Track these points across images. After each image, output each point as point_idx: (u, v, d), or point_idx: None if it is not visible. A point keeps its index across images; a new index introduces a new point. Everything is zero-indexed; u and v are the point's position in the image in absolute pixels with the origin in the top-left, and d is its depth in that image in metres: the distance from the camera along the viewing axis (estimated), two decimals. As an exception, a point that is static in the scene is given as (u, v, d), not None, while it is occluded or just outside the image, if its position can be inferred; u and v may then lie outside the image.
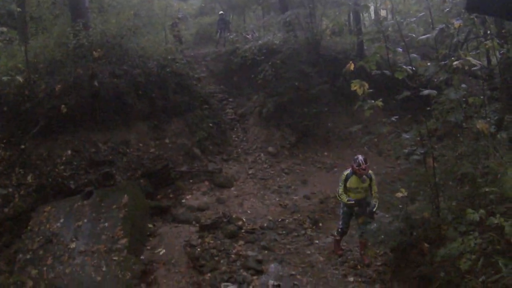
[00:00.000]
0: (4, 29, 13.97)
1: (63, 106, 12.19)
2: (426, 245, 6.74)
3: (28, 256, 9.56)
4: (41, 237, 9.87)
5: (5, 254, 10.37)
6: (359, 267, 9.04)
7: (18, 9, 14.66)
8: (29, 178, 11.60)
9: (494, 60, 11.41)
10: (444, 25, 7.29)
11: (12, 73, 12.14)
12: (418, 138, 7.00)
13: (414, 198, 7.57)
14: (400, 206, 7.52)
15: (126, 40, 14.78)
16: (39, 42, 14.03)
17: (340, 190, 8.96)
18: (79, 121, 12.82)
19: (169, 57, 15.59)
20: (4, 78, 11.82)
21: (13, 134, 12.27)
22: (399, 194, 7.28)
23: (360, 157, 8.62)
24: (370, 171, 8.71)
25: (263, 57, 17.94)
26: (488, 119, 7.54)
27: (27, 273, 9.20)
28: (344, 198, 8.89)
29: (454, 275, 5.85)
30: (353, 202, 8.82)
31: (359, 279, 8.63)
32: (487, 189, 6.12)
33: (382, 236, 7.68)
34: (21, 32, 14.60)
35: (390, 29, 7.29)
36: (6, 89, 12.44)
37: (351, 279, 8.71)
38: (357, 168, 8.53)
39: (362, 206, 8.84)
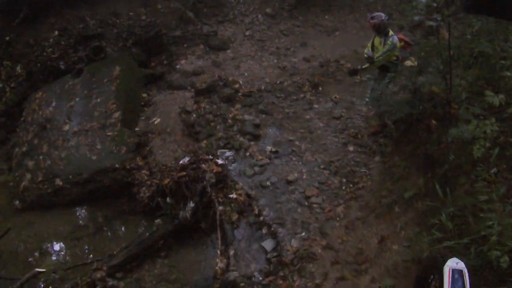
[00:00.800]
0: None
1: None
2: (434, 121, 6.25)
3: (24, 149, 9.54)
4: (34, 126, 9.78)
5: (3, 151, 10.40)
6: (359, 136, 8.82)
7: None
8: (18, 68, 11.34)
9: None
10: None
11: None
12: (435, 4, 6.25)
13: (424, 70, 6.86)
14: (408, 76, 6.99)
15: None
16: None
17: (366, 47, 8.48)
18: (64, 0, 12.30)
19: None
20: None
21: (-5, 28, 11.76)
22: (408, 63, 6.79)
23: (376, 13, 8.01)
24: (391, 39, 7.84)
25: None
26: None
27: (25, 166, 9.21)
28: (365, 51, 8.47)
29: (465, 160, 5.41)
30: (367, 56, 8.38)
31: (359, 149, 8.48)
32: (508, 73, 5.47)
33: (386, 107, 7.31)
34: None
35: None
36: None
37: (351, 148, 8.57)
38: (368, 20, 7.98)
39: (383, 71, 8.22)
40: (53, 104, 9.99)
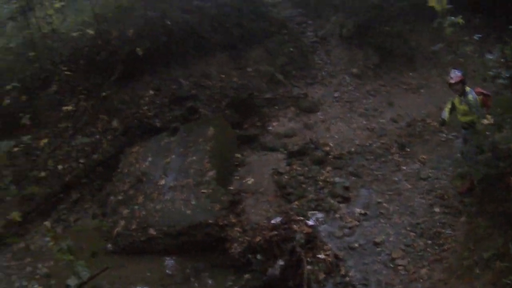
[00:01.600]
0: None
1: (138, 49, 12.06)
2: None
3: (120, 197, 9.93)
4: (131, 178, 10.20)
5: (98, 198, 10.81)
6: (446, 197, 8.73)
7: None
8: (114, 123, 11.92)
9: None
10: None
11: (81, 27, 12.41)
12: (503, 60, 6.22)
13: (501, 125, 6.76)
14: (487, 133, 6.91)
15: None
16: None
17: (447, 108, 8.47)
18: (157, 61, 12.86)
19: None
20: (74, 34, 12.16)
21: (92, 84, 12.52)
22: (485, 121, 6.67)
23: (453, 71, 7.97)
24: (470, 96, 7.80)
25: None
26: None
27: (119, 214, 9.59)
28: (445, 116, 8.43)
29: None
30: (441, 118, 8.44)
31: (445, 210, 8.41)
32: None
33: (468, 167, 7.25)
34: None
35: None
36: (79, 44, 12.67)
37: (437, 209, 8.51)
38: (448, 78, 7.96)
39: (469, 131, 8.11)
40: (150, 159, 10.45)
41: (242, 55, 13.98)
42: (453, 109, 8.34)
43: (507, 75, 6.03)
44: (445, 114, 8.41)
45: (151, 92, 12.44)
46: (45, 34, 12.00)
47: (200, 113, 11.93)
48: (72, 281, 5.24)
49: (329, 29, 16.30)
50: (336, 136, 11.53)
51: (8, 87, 11.25)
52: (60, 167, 11.27)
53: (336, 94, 13.65)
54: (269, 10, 15.47)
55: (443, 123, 8.58)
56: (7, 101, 11.11)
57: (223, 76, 13.18)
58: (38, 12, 12.01)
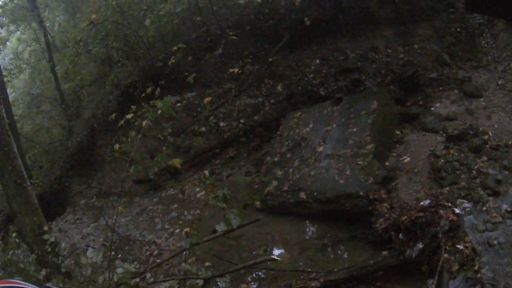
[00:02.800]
0: None
1: (306, 18, 12.19)
2: None
3: (276, 159, 10.18)
4: (289, 141, 10.40)
5: (254, 157, 11.29)
6: None
7: None
8: (278, 87, 12.23)
9: None
10: None
11: None
12: None
13: None
14: None
15: None
16: None
17: None
18: (324, 31, 12.84)
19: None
20: (241, 1, 12.36)
21: (259, 50, 12.91)
22: None
23: None
24: None
25: None
26: None
27: (273, 174, 9.83)
28: None
29: None
30: None
31: None
32: None
33: None
34: None
35: None
36: (245, 11, 13.09)
37: None
38: None
39: None
40: (310, 125, 10.55)
41: (409, 31, 13.47)
42: None
43: None
44: None
45: (317, 61, 12.49)
46: (211, 0, 12.43)
47: (365, 86, 11.78)
48: (220, 227, 5.43)
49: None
50: (496, 126, 10.59)
51: (174, 47, 11.97)
52: (221, 124, 11.90)
53: (500, 82, 12.50)
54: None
55: None
56: (172, 60, 11.79)
57: (390, 51, 12.85)
58: None
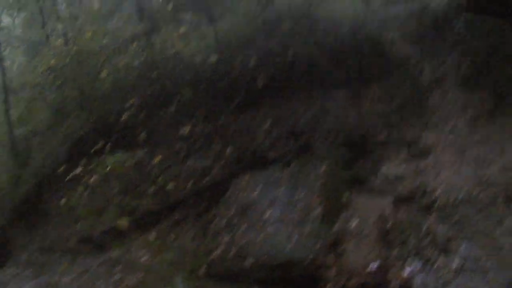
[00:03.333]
0: (186, 15, 14.82)
1: (259, 79, 12.49)
2: None
3: (223, 223, 10.04)
4: (237, 205, 10.31)
5: (202, 220, 11.05)
6: None
7: None
8: (227, 150, 12.09)
9: None
10: None
11: (204, 54, 13.02)
12: None
13: None
14: None
15: (314, 9, 14.64)
16: (227, 20, 14.74)
17: None
18: (276, 93, 13.03)
19: (361, 21, 14.95)
20: (197, 59, 12.73)
21: (211, 110, 12.91)
22: None
23: None
24: None
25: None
26: None
27: (219, 239, 9.69)
28: None
29: None
30: None
31: None
32: None
33: None
34: (207, 15, 15.31)
35: None
36: (200, 70, 13.22)
37: None
38: None
39: None
40: (258, 189, 10.49)
41: (359, 93, 13.74)
42: None
43: None
44: None
45: (268, 123, 12.59)
46: (168, 57, 12.57)
47: (314, 149, 11.89)
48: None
49: (445, 70, 15.71)
50: (445, 184, 10.83)
51: (129, 102, 11.99)
52: (169, 185, 11.70)
53: (448, 140, 12.93)
54: (387, 48, 15.06)
55: None
56: (126, 116, 11.77)
57: (340, 113, 13.06)
58: (162, 35, 12.67)
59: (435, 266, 8.23)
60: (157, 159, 11.78)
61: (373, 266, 8.09)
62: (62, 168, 10.65)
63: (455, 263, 8.15)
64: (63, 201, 7.10)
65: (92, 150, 9.02)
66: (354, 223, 9.61)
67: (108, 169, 5.34)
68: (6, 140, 16.89)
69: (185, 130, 12.09)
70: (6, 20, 20.41)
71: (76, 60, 13.74)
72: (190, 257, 9.92)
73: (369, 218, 9.66)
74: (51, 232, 13.46)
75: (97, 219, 7.99)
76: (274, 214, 9.59)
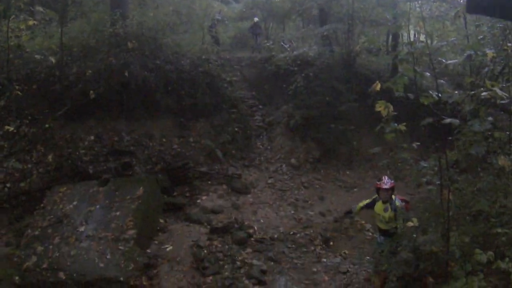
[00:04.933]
0: (41, 8, 14.25)
1: (91, 91, 12.40)
2: (430, 279, 6.52)
3: (37, 233, 9.74)
4: (52, 216, 10.05)
5: (15, 227, 10.65)
6: None
7: None
8: (49, 157, 11.84)
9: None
10: (472, 52, 7.04)
11: (46, 53, 12.49)
12: (436, 168, 6.74)
13: (426, 229, 7.28)
14: (413, 235, 7.25)
15: (162, 35, 15.01)
16: (77, 26, 14.44)
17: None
18: (106, 108, 13.05)
19: (203, 57, 15.67)
20: (37, 57, 12.23)
21: (39, 112, 12.54)
22: (410, 224, 7.09)
23: (386, 177, 8.18)
24: (398, 203, 8.01)
25: (296, 68, 17.83)
26: (513, 156, 7.19)
27: (33, 249, 9.37)
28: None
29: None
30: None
31: None
32: (499, 230, 5.92)
33: (386, 265, 7.47)
34: (61, 14, 14.90)
35: (426, 51, 7.01)
36: (37, 68, 12.80)
37: None
38: (377, 183, 8.15)
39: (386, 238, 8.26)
40: (74, 202, 10.37)
41: (188, 124, 14.39)
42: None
43: (438, 183, 6.49)
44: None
45: (92, 137, 12.58)
46: (10, 47, 11.94)
47: (134, 171, 12.09)
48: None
49: (278, 117, 16.98)
50: (262, 221, 11.74)
51: None
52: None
53: (270, 181, 14.09)
54: (224, 87, 16.00)
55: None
56: None
57: (165, 140, 13.48)
58: (11, 22, 11.98)
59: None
60: (-27, 153, 11.03)
61: None
62: None
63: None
64: None
65: None
66: (168, 248, 9.92)
67: None
68: None
69: (9, 128, 11.53)
70: None
71: None
72: (3, 265, 9.39)
73: (183, 245, 10.05)
74: None
75: None
76: (87, 230, 9.54)
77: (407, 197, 8.96)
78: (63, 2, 15.34)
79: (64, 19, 14.56)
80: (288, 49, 20.61)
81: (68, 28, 14.15)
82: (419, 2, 15.81)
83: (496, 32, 10.67)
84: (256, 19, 24.11)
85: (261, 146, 15.87)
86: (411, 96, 6.26)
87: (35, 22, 13.08)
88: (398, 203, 8.03)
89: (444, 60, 7.02)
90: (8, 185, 11.33)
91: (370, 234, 11.02)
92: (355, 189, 14.36)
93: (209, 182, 13.08)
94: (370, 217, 11.28)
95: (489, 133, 6.90)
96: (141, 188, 10.51)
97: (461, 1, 11.63)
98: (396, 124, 6.49)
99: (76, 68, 12.97)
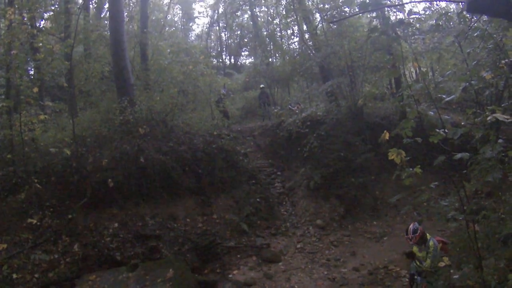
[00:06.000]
0: (50, 103, 14.76)
1: (110, 180, 12.63)
2: None
3: None
4: None
5: None
6: None
7: (65, 85, 15.70)
8: (75, 247, 11.87)
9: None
10: (467, 83, 7.15)
11: (60, 145, 12.84)
12: (457, 204, 6.70)
13: (459, 264, 7.16)
14: (448, 273, 7.16)
15: (171, 117, 15.41)
16: (87, 116, 14.89)
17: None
18: (126, 194, 13.18)
19: (215, 133, 16.04)
20: (52, 150, 12.51)
21: (61, 203, 12.70)
22: (442, 264, 7.00)
23: (411, 226, 8.19)
24: (431, 242, 7.99)
25: (307, 129, 18.06)
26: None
27: None
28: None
29: None
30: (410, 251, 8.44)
31: None
32: None
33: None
34: (70, 105, 15.45)
35: (425, 91, 7.12)
36: (54, 160, 13.02)
37: None
38: (405, 236, 8.19)
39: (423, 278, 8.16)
40: None
41: (210, 201, 14.47)
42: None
43: (461, 218, 6.42)
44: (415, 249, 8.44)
45: (116, 224, 12.62)
46: (25, 141, 12.31)
47: (162, 253, 12.05)
48: None
49: (297, 180, 17.06)
50: (297, 287, 11.53)
51: None
52: (14, 275, 11.06)
53: (299, 245, 13.96)
54: (239, 160, 16.28)
55: (409, 255, 8.49)
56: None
57: (189, 220, 13.52)
58: (23, 117, 12.38)
59: None
60: (2, 246, 11.13)
61: None
62: None
63: None
64: None
65: None
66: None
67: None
68: None
69: (33, 220, 11.67)
70: None
71: None
72: None
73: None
74: None
75: None
76: None
77: (439, 235, 8.78)
78: (71, 93, 15.85)
79: (74, 109, 14.99)
80: (297, 111, 20.88)
81: (79, 118, 14.58)
82: (411, 40, 16.08)
83: (491, 50, 10.72)
84: (262, 86, 24.70)
85: (285, 212, 15.86)
86: (419, 140, 6.33)
87: (46, 116, 13.49)
88: (431, 242, 8.01)
89: (444, 96, 7.11)
90: (36, 275, 11.27)
91: (407, 280, 10.54)
92: (385, 238, 14.18)
93: (238, 256, 13.01)
94: (404, 264, 11.21)
95: (503, 154, 6.87)
96: (170, 269, 10.52)
97: (452, 26, 11.71)
98: (411, 169, 6.53)
99: (92, 158, 13.25)
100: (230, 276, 12.03)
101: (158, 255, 11.95)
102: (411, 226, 8.23)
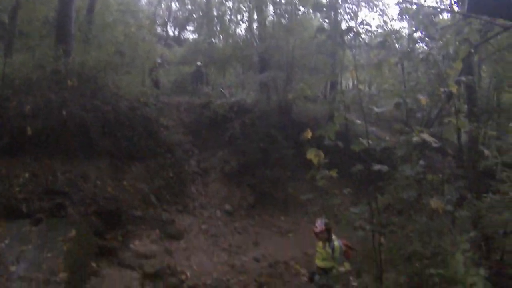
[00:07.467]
0: None
1: (29, 128, 12.10)
2: None
3: None
4: None
5: None
6: None
7: (6, 21, 14.99)
8: (-19, 194, 11.31)
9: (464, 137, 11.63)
10: (401, 100, 7.45)
11: None
12: (367, 214, 6.96)
13: (359, 272, 7.47)
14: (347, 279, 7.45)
15: (103, 75, 14.92)
16: (21, 58, 14.10)
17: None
18: (43, 146, 12.68)
19: (142, 100, 15.75)
20: None
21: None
22: (342, 269, 7.28)
23: (319, 220, 8.39)
24: (337, 243, 8.30)
25: (233, 115, 18.20)
26: (449, 197, 7.50)
27: None
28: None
29: None
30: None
31: None
32: (432, 271, 6.07)
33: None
34: (8, 45, 14.62)
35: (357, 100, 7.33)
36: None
37: None
38: (313, 227, 8.36)
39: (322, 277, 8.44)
40: (7, 241, 9.97)
41: (124, 167, 14.18)
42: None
43: (368, 229, 6.69)
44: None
45: (27, 175, 12.09)
46: None
47: (67, 212, 11.65)
48: None
49: (213, 163, 17.10)
50: (195, 267, 11.63)
51: None
52: None
53: (203, 226, 14.02)
54: (160, 131, 16.12)
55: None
56: None
57: (99, 182, 13.13)
58: None
59: None
60: None
61: None
62: None
63: None
64: None
65: None
66: (100, 292, 9.55)
67: None
68: None
69: None
70: None
71: None
72: None
73: (115, 290, 9.72)
74: None
75: None
76: (19, 271, 9.15)
77: (346, 240, 9.16)
78: (10, 32, 15.02)
79: (10, 49, 14.25)
80: (227, 95, 20.93)
81: (13, 59, 13.83)
82: (356, 50, 16.57)
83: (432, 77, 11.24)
84: (199, 63, 24.48)
85: (195, 192, 15.81)
86: (340, 144, 6.46)
87: None
88: (337, 243, 8.28)
89: (375, 108, 7.36)
90: None
91: (306, 278, 10.92)
92: (290, 234, 14.53)
93: (143, 226, 12.81)
94: (305, 262, 11.57)
95: (421, 176, 7.20)
96: (73, 230, 10.30)
97: (399, 48, 12.14)
98: (327, 171, 6.67)
99: (16, 102, 12.61)
100: (131, 245, 11.89)
101: (63, 212, 11.53)
102: (319, 220, 8.45)
